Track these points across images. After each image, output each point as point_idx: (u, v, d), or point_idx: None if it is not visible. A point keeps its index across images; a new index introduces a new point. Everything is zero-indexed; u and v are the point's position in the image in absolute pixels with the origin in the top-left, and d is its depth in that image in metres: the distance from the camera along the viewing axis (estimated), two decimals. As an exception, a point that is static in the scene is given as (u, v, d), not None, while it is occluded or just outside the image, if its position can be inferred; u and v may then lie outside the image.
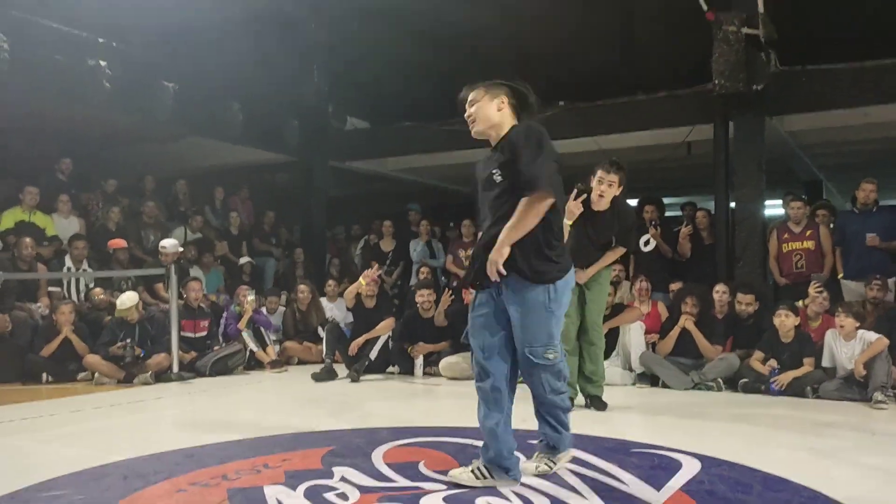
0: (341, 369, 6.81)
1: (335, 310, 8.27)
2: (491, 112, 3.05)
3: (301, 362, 7.77)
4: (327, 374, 6.66)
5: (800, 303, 6.25)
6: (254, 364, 7.40)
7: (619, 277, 7.37)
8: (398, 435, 4.14)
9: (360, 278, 6.93)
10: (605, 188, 4.86)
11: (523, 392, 3.15)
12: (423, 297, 7.06)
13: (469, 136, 3.20)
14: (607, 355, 6.46)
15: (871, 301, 6.10)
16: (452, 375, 6.58)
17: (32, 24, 6.98)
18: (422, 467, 3.34)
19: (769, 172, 7.66)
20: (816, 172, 10.83)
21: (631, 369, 6.33)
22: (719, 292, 6.58)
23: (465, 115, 3.12)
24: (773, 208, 9.79)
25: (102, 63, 7.31)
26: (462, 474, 3.05)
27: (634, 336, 6.33)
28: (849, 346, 5.49)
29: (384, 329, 6.88)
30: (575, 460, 3.39)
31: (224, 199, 10.04)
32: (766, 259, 7.32)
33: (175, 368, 6.57)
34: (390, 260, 9.42)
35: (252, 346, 7.39)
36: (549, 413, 3.13)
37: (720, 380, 5.90)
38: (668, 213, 8.46)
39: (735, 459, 3.52)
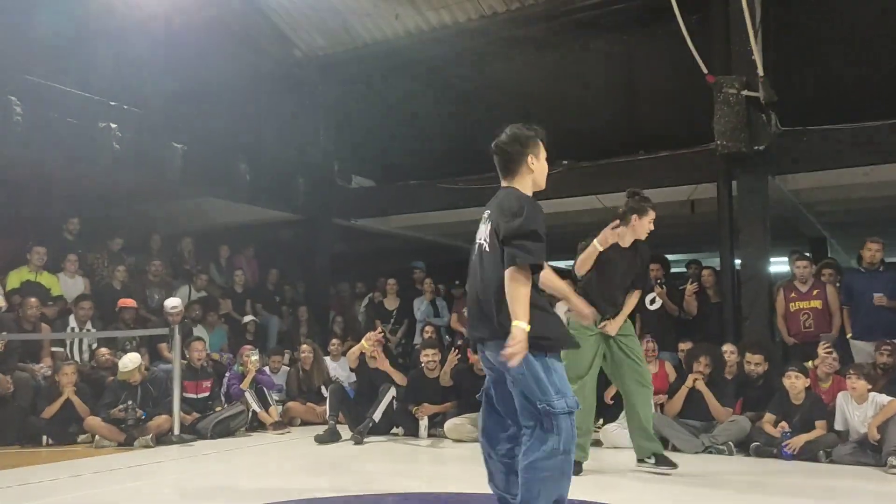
0: (345, 430, 6.71)
1: (338, 369, 8.20)
2: None
3: (304, 423, 7.65)
4: (330, 437, 6.55)
5: (809, 363, 6.17)
6: (256, 425, 7.30)
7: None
8: (405, 501, 4.05)
9: (363, 340, 6.91)
10: (651, 227, 4.86)
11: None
12: (427, 356, 7.01)
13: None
14: (615, 417, 6.40)
15: (880, 367, 6.02)
16: (458, 437, 6.47)
17: (47, 88, 7.14)
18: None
19: (774, 230, 7.68)
20: (821, 230, 10.85)
21: (639, 431, 6.20)
22: (728, 352, 6.51)
23: None
24: (779, 265, 9.76)
25: (113, 125, 7.44)
26: None
27: (642, 397, 6.23)
28: (861, 408, 5.40)
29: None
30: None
31: (229, 258, 10.07)
32: (774, 318, 7.27)
33: (176, 430, 6.48)
34: (394, 318, 9.37)
35: (255, 406, 7.30)
36: None
37: (731, 443, 5.79)
38: (672, 271, 8.45)
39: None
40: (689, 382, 6.18)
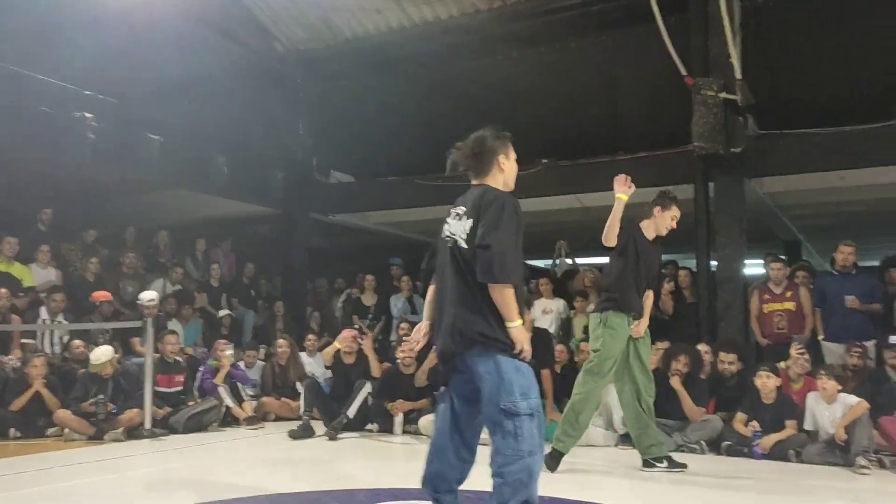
0: (319, 426, 6.68)
1: (314, 365, 8.14)
2: None
3: (278, 419, 7.60)
4: (304, 432, 6.51)
5: (781, 364, 6.24)
6: (229, 420, 7.23)
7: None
8: (376, 498, 4.04)
9: (336, 342, 6.91)
10: (673, 225, 5.00)
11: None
12: (403, 353, 6.99)
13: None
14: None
15: (850, 368, 6.10)
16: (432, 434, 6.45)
17: (20, 77, 7.02)
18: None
19: (750, 232, 7.75)
20: (796, 233, 10.98)
21: (614, 430, 6.24)
22: (702, 353, 6.56)
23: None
24: (754, 267, 9.86)
25: (89, 115, 7.33)
26: None
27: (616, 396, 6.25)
28: (830, 409, 5.46)
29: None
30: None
31: (206, 251, 9.98)
32: (748, 319, 7.34)
33: (147, 425, 6.40)
34: (372, 314, 9.34)
35: (228, 401, 7.23)
36: None
37: (703, 442, 5.84)
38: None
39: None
40: (673, 383, 6.19)
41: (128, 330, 7.66)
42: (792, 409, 5.73)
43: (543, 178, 8.54)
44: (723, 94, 7.11)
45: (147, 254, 9.42)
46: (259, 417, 7.36)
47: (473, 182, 3.14)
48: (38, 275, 7.85)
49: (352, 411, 6.68)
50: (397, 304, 9.23)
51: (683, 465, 4.96)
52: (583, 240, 11.03)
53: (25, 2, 7.30)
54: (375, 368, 6.92)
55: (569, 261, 9.47)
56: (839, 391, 5.46)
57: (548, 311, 7.98)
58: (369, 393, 6.85)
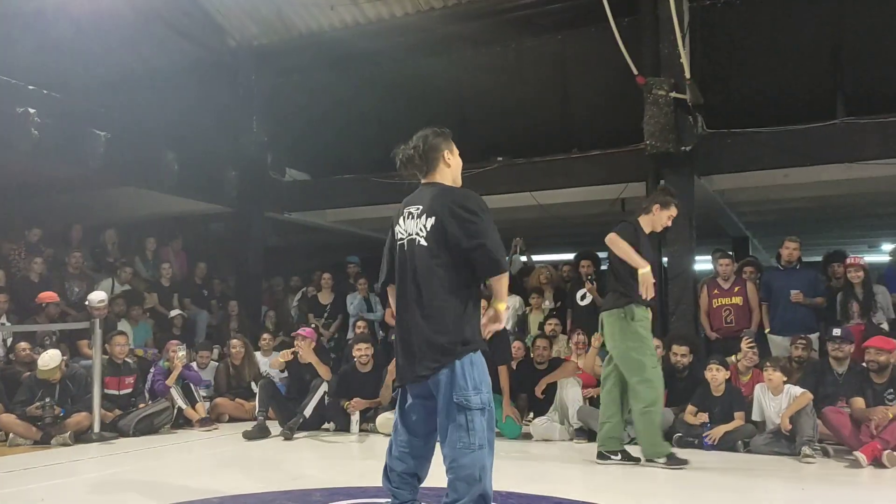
0: (274, 426, 6.60)
1: (269, 364, 8.05)
2: None
3: (232, 420, 7.49)
4: (259, 432, 6.44)
5: (731, 358, 6.40)
6: (182, 422, 7.09)
7: (556, 332, 7.44)
8: (332, 497, 4.01)
9: (288, 352, 6.92)
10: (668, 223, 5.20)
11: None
12: (360, 351, 6.96)
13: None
14: (545, 410, 6.50)
15: (795, 360, 6.30)
16: (389, 432, 6.40)
17: (-43, 69, 6.77)
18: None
19: (699, 229, 7.93)
20: (743, 229, 11.27)
21: (569, 424, 6.32)
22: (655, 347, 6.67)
23: None
24: (703, 263, 10.09)
25: (32, 110, 7.09)
26: None
27: (571, 391, 6.34)
28: (777, 400, 5.62)
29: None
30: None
31: (156, 250, 9.76)
32: (698, 314, 7.51)
33: (96, 428, 6.25)
34: (328, 313, 9.27)
35: (180, 403, 7.09)
36: None
37: (655, 434, 5.94)
38: (603, 268, 8.62)
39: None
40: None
41: (75, 331, 7.47)
42: (740, 401, 5.89)
43: (499, 176, 8.60)
44: (673, 94, 7.25)
45: (94, 253, 9.19)
46: (212, 419, 7.25)
47: (423, 181, 3.16)
48: (-21, 276, 7.59)
49: (308, 410, 6.64)
50: (353, 301, 9.18)
51: (637, 459, 5.05)
52: (538, 237, 11.18)
53: (-38, -8, 7.04)
54: (323, 372, 6.85)
55: (524, 258, 9.55)
56: (785, 382, 5.62)
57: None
58: (325, 392, 6.80)
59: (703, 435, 5.74)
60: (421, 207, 3.03)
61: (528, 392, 6.74)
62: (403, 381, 3.07)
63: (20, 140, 7.10)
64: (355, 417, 6.72)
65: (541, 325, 7.70)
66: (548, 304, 8.08)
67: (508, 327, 7.73)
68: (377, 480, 3.26)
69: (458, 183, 3.18)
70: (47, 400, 6.18)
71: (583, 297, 7.71)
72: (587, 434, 6.20)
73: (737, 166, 7.84)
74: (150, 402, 6.98)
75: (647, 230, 5.11)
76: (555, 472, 4.98)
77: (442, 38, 9.37)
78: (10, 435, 6.14)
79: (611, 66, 7.98)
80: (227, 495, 4.11)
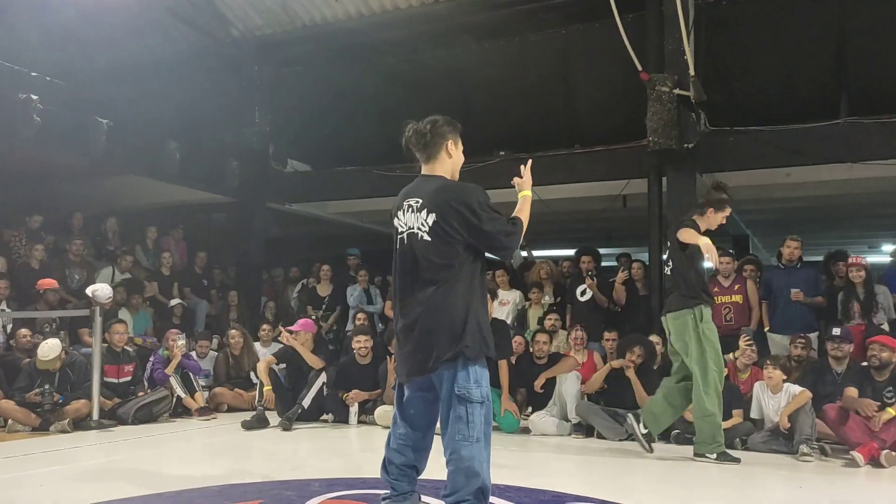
0: (273, 416, 6.61)
1: (269, 355, 8.05)
2: None
3: (231, 409, 7.50)
4: (258, 423, 6.45)
5: (730, 355, 6.40)
6: (181, 411, 7.10)
7: (556, 327, 7.44)
8: (330, 487, 4.02)
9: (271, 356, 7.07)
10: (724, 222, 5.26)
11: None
12: (359, 343, 6.97)
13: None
14: (544, 405, 6.52)
15: (794, 359, 6.30)
16: (388, 424, 6.41)
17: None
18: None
19: (700, 226, 7.91)
20: (744, 228, 11.27)
21: (567, 419, 6.33)
22: (653, 343, 6.68)
23: None
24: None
25: (34, 97, 7.07)
26: None
27: (570, 386, 6.35)
28: (776, 398, 5.63)
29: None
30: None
31: (157, 239, 9.76)
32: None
33: (95, 416, 6.26)
34: (326, 304, 9.27)
35: (179, 392, 7.10)
36: None
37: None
38: (603, 264, 8.63)
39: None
40: (614, 363, 6.32)
41: (75, 319, 7.47)
42: (738, 399, 5.90)
43: (501, 171, 8.56)
44: (677, 91, 7.23)
45: (95, 241, 9.18)
46: (211, 408, 7.26)
47: (424, 170, 3.16)
48: (-21, 262, 7.59)
49: (307, 401, 6.65)
50: (353, 293, 9.18)
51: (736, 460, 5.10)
52: (539, 232, 11.17)
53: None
54: (314, 362, 6.85)
55: (524, 253, 9.55)
56: (784, 381, 5.63)
57: (504, 303, 8.04)
58: (324, 383, 6.81)
59: (701, 432, 5.74)
60: (421, 201, 3.03)
61: (528, 386, 6.75)
62: (410, 377, 3.05)
63: (23, 127, 7.09)
64: (354, 409, 6.73)
65: (540, 320, 7.71)
66: (548, 299, 8.09)
67: (508, 322, 7.74)
68: (375, 472, 3.27)
69: (457, 178, 3.18)
70: (46, 387, 6.19)
71: (583, 293, 7.72)
72: (585, 429, 6.22)
73: (739, 164, 7.83)
74: (149, 390, 6.99)
75: (702, 229, 5.17)
76: (553, 467, 4.99)
77: (446, 30, 9.34)
78: (9, 421, 6.15)
79: (615, 61, 7.97)
80: (226, 484, 4.12)
